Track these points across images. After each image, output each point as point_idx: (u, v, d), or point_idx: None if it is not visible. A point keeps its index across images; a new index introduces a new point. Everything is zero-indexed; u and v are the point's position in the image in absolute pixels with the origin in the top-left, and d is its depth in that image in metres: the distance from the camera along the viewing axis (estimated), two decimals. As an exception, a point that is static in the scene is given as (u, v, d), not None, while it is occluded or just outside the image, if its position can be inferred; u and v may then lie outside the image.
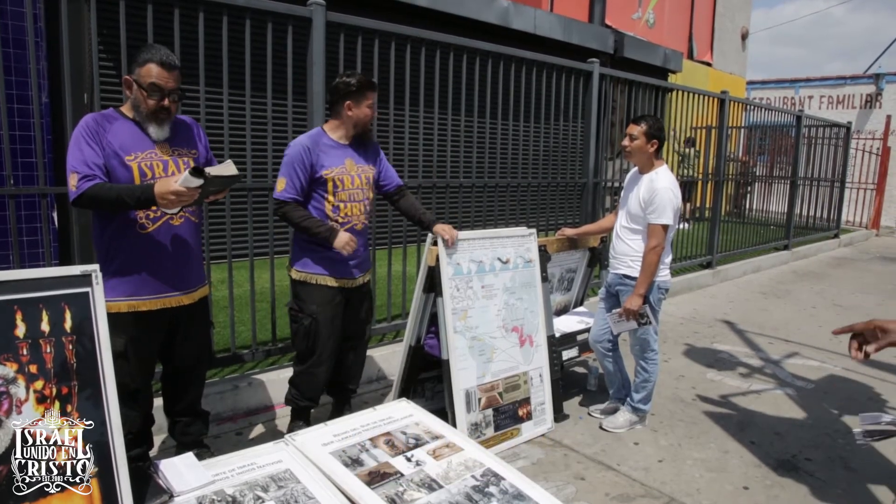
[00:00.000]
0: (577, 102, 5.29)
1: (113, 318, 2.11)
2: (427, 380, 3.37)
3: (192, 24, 3.08)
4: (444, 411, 2.95)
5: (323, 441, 2.51)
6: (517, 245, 3.29)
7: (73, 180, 2.11)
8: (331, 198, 2.73)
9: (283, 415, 3.15)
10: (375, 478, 2.31)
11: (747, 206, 9.53)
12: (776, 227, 9.51)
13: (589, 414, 3.47)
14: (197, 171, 2.12)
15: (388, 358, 3.90)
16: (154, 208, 2.21)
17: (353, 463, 2.39)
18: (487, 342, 3.07)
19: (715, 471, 2.92)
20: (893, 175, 14.21)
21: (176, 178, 2.14)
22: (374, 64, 3.81)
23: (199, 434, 2.68)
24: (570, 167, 7.20)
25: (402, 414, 2.82)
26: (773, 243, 9.21)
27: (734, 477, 2.87)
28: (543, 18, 8.57)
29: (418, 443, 2.59)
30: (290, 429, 2.92)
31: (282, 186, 2.69)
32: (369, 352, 3.88)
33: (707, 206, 7.56)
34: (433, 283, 2.98)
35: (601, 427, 3.29)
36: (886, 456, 3.11)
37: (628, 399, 3.33)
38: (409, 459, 2.46)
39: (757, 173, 9.79)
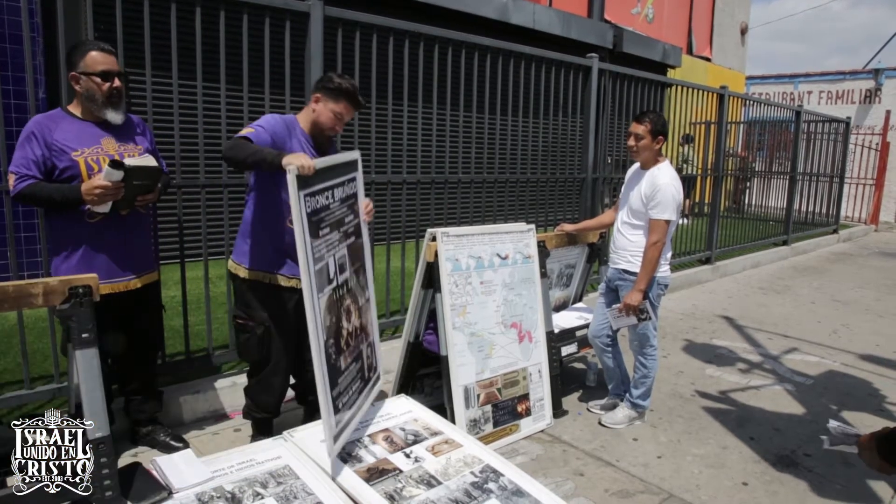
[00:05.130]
0: (577, 98, 5.28)
1: None
2: (426, 376, 3.36)
3: (190, 20, 3.07)
4: (443, 407, 2.94)
5: (322, 437, 2.51)
6: (516, 241, 3.28)
7: (11, 180, 2.28)
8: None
9: (283, 410, 3.13)
10: (374, 474, 2.31)
11: (746, 201, 9.53)
12: (775, 222, 9.51)
13: (588, 410, 3.47)
14: (116, 164, 2.23)
15: (387, 354, 3.89)
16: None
17: (352, 459, 2.39)
18: (486, 338, 3.07)
19: (714, 466, 2.92)
20: (892, 170, 14.22)
21: (98, 175, 2.26)
22: (373, 59, 3.79)
23: (154, 411, 2.82)
24: (569, 163, 7.19)
25: (401, 410, 2.83)
26: (772, 239, 9.21)
27: (733, 472, 2.87)
28: (542, 13, 8.55)
29: (417, 439, 2.59)
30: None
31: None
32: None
33: (706, 201, 7.56)
34: (432, 279, 2.98)
35: (600, 423, 3.29)
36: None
37: (627, 395, 3.33)
38: (407, 456, 2.46)
39: (756, 169, 9.78)
